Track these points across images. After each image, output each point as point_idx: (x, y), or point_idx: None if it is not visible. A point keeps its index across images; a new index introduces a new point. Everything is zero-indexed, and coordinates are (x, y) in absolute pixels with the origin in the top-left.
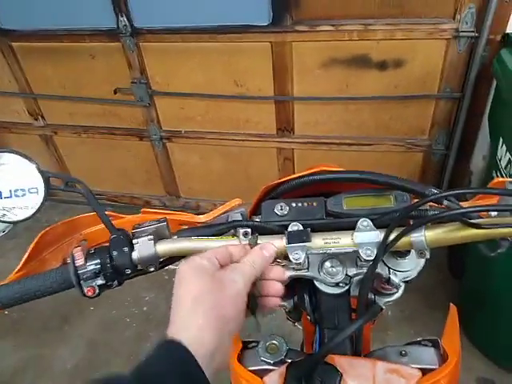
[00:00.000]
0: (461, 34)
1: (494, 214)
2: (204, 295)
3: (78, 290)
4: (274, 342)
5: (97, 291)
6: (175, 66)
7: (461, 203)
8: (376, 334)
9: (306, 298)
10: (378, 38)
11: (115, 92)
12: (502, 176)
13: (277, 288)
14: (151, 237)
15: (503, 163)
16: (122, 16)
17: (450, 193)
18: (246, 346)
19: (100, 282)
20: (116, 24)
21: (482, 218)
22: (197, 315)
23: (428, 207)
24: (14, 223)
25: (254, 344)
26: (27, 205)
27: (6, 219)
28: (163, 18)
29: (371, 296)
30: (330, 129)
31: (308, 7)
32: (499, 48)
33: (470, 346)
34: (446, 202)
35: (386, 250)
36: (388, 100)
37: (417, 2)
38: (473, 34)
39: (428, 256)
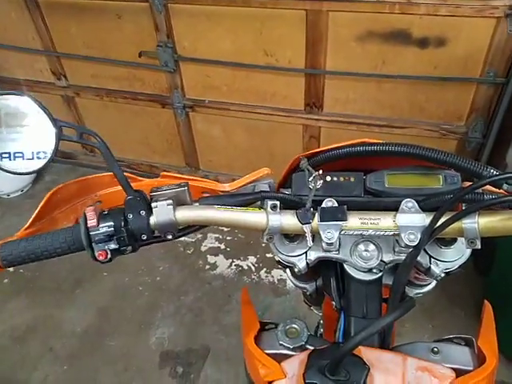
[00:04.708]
0: None
1: None
2: None
3: (88, 253)
4: (295, 325)
5: (109, 256)
6: (204, 30)
7: None
8: None
9: (333, 282)
10: (421, 13)
11: (140, 55)
12: None
13: None
14: (171, 201)
15: None
16: None
17: None
18: (263, 327)
19: (113, 246)
20: None
21: None
22: None
23: (481, 190)
24: (16, 174)
25: (271, 326)
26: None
27: (8, 168)
28: None
29: None
30: (361, 107)
31: None
32: None
33: None
34: (505, 186)
35: (432, 235)
36: (426, 80)
37: None
38: None
39: (479, 246)
